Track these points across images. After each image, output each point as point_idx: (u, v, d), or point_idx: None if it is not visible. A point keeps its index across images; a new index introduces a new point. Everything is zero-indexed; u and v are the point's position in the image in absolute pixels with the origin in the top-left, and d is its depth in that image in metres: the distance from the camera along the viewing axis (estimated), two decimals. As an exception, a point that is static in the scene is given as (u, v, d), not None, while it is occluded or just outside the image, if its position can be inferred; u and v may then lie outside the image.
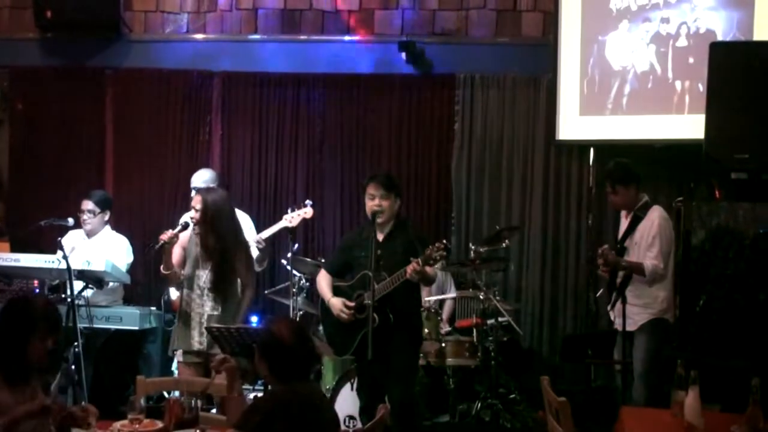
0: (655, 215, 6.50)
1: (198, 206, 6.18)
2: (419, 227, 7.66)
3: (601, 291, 6.96)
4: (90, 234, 7.53)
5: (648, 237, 6.43)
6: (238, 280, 6.33)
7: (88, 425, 4.01)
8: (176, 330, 6.39)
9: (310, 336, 4.30)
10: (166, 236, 6.15)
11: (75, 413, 4.10)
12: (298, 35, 8.84)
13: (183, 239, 6.34)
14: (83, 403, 4.37)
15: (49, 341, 4.02)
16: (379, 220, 5.97)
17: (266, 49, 8.90)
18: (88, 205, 7.50)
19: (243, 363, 5.56)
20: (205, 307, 6.23)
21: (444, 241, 5.77)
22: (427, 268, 5.85)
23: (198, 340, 6.20)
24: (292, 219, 7.21)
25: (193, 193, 7.27)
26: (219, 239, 6.19)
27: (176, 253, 6.31)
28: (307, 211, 7.26)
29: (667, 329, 6.53)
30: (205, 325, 6.14)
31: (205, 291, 6.23)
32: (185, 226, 6.27)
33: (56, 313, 4.17)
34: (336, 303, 6.03)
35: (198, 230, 6.20)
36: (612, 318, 6.65)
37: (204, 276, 6.24)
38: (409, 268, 5.72)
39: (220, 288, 6.22)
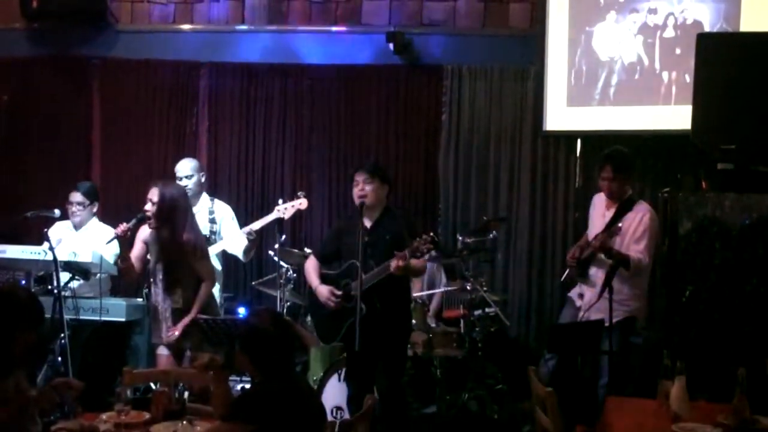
0: (645, 209, 6.49)
1: (154, 199, 6.17)
2: (410, 216, 7.66)
3: (564, 276, 6.95)
4: (78, 226, 7.50)
5: (637, 230, 6.41)
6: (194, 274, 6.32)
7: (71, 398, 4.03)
8: (151, 323, 6.47)
9: (291, 325, 4.29)
10: (119, 230, 6.15)
11: (56, 384, 4.10)
12: (285, 26, 8.82)
13: (145, 234, 6.33)
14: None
15: (32, 335, 3.99)
16: (366, 202, 5.97)
17: (253, 39, 8.89)
18: (76, 197, 7.46)
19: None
20: (167, 301, 6.23)
21: (431, 234, 5.78)
22: (414, 261, 5.87)
23: (165, 333, 6.21)
24: (285, 210, 7.18)
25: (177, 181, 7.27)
26: (173, 233, 6.18)
27: (137, 248, 6.33)
28: (302, 202, 7.21)
29: (634, 328, 6.56)
30: (168, 317, 6.17)
31: (161, 286, 6.24)
32: (140, 219, 6.24)
33: (39, 305, 4.15)
34: (323, 291, 6.04)
35: (153, 224, 6.19)
36: (578, 304, 6.66)
37: (160, 270, 6.24)
38: (393, 264, 5.73)
39: (173, 282, 6.22)
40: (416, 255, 5.78)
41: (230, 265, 7.97)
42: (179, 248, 6.19)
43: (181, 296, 6.22)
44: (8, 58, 9.12)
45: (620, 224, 6.35)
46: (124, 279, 6.66)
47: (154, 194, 6.18)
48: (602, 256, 6.41)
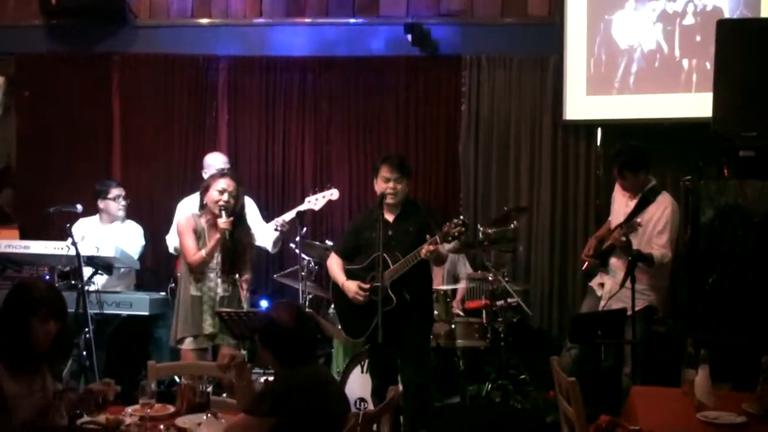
0: (668, 202, 6.47)
1: (231, 190, 6.20)
2: (431, 208, 7.66)
3: (586, 265, 6.96)
4: (119, 219, 7.62)
5: (659, 223, 6.40)
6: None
7: (104, 401, 4.06)
8: (183, 317, 6.32)
9: (312, 318, 4.30)
10: (227, 224, 6.16)
11: (93, 388, 4.13)
12: (303, 18, 8.83)
13: (192, 224, 6.33)
14: (105, 379, 4.36)
15: (51, 325, 3.99)
16: (390, 201, 6.01)
17: (272, 32, 8.89)
18: (120, 190, 7.70)
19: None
20: (218, 290, 6.25)
21: (462, 217, 5.82)
22: (440, 248, 5.89)
23: (211, 323, 6.20)
24: (316, 201, 7.22)
25: (206, 174, 7.31)
26: (241, 223, 6.32)
27: (191, 238, 6.30)
28: (333, 193, 7.28)
29: (653, 318, 6.56)
30: (217, 307, 6.16)
31: (218, 273, 6.25)
32: (232, 212, 6.28)
33: (58, 295, 4.15)
34: (351, 286, 6.06)
35: (228, 214, 6.20)
36: (598, 294, 6.67)
37: (216, 258, 6.25)
38: (424, 249, 5.75)
39: (232, 270, 6.28)
40: (447, 239, 5.81)
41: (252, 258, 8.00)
42: (248, 237, 6.36)
43: (231, 284, 6.28)
44: (28, 55, 9.15)
45: (639, 219, 6.33)
46: (197, 269, 6.52)
47: (229, 184, 6.25)
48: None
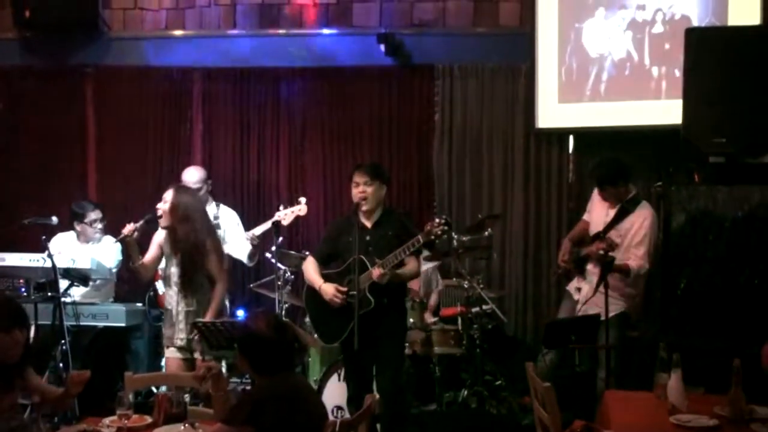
0: (647, 213, 6.49)
1: (168, 199, 6.20)
2: (409, 216, 7.69)
3: (560, 271, 7.01)
4: (94, 241, 7.61)
5: (637, 234, 6.43)
6: (207, 276, 6.31)
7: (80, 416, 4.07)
8: (164, 326, 6.38)
9: (289, 327, 4.32)
10: (127, 230, 6.18)
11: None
12: (276, 29, 8.84)
13: (160, 237, 6.34)
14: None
15: (17, 333, 3.97)
16: (364, 208, 6.03)
17: (245, 44, 8.89)
18: (97, 213, 7.68)
19: (230, 356, 5.62)
20: (180, 304, 6.23)
21: (444, 217, 5.85)
22: (404, 268, 5.99)
23: (180, 336, 6.20)
24: (285, 216, 7.22)
25: None
26: (191, 233, 6.20)
27: (152, 251, 6.34)
28: (302, 209, 7.26)
29: (629, 323, 6.61)
30: (182, 320, 6.16)
31: (179, 287, 6.24)
32: (148, 221, 6.28)
33: (14, 304, 4.14)
34: (328, 289, 6.05)
35: (164, 224, 6.22)
36: (575, 298, 6.74)
37: (175, 272, 6.25)
38: (375, 273, 5.83)
39: (186, 283, 6.21)
40: (430, 238, 5.83)
41: (228, 268, 8.00)
42: (196, 249, 6.21)
43: (194, 298, 6.23)
44: (1, 68, 9.14)
45: (617, 240, 6.33)
46: (141, 277, 6.57)
47: (168, 194, 6.23)
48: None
